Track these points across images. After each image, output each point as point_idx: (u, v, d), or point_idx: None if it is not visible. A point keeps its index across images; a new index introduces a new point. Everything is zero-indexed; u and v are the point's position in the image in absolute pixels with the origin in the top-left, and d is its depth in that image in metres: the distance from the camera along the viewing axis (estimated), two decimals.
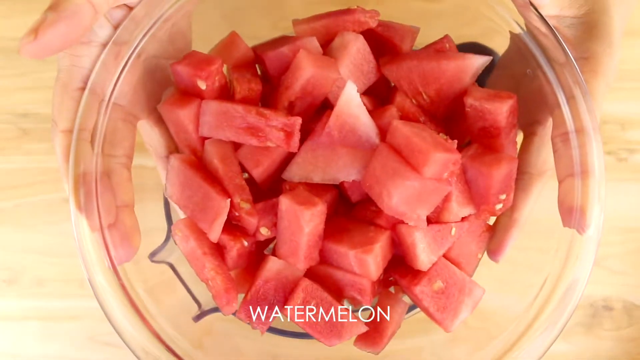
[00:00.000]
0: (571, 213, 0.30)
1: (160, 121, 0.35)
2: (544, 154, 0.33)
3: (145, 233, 0.48)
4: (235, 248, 0.33)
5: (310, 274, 0.33)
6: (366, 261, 0.31)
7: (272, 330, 0.38)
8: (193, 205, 0.33)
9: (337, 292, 0.33)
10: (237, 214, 0.33)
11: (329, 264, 0.33)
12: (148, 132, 0.35)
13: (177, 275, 0.36)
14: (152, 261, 0.35)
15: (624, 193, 0.49)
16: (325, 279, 0.33)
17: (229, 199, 0.32)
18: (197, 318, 0.36)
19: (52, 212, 0.48)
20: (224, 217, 0.32)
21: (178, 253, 0.35)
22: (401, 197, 0.29)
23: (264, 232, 0.33)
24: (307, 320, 0.32)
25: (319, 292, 0.32)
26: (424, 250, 0.32)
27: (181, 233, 0.33)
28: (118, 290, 0.32)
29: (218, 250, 0.33)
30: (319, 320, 0.32)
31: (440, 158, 0.29)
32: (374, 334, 0.34)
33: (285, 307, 0.32)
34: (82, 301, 0.47)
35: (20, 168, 0.48)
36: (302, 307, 0.32)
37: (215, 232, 0.32)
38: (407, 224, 0.31)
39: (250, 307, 0.33)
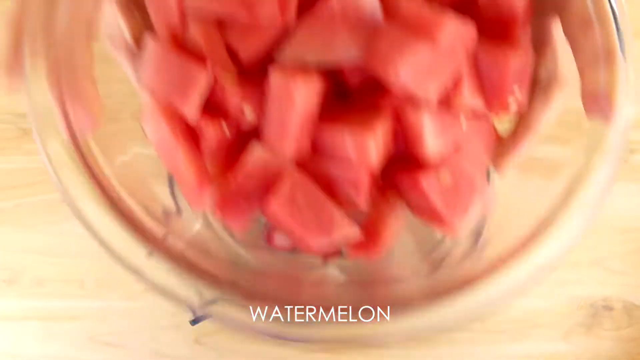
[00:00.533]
0: (596, 101, 0.28)
1: (126, 7, 0.32)
2: (563, 60, 0.31)
3: None
4: (215, 134, 0.29)
5: (299, 168, 0.30)
6: (365, 142, 0.28)
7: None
8: (169, 85, 0.29)
9: (329, 192, 0.30)
10: (218, 88, 0.29)
11: (321, 157, 0.30)
12: (109, 19, 0.32)
13: None
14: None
15: (624, 193, 0.49)
16: (315, 175, 0.29)
17: (210, 67, 0.28)
18: (194, 322, 0.36)
19: (52, 212, 0.48)
20: (202, 87, 0.28)
21: None
22: (410, 69, 0.26)
23: (248, 114, 0.29)
24: (292, 212, 0.29)
25: (308, 185, 0.29)
26: (432, 136, 0.29)
27: (152, 117, 0.30)
28: (73, 156, 0.30)
29: (193, 138, 0.30)
30: (307, 214, 0.29)
31: (455, 25, 0.27)
32: (368, 241, 0.31)
33: (270, 198, 0.29)
34: (82, 301, 0.47)
35: (20, 168, 0.48)
36: (289, 200, 0.29)
37: (192, 105, 0.28)
38: (414, 106, 0.28)
39: (229, 202, 0.30)
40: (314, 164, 0.29)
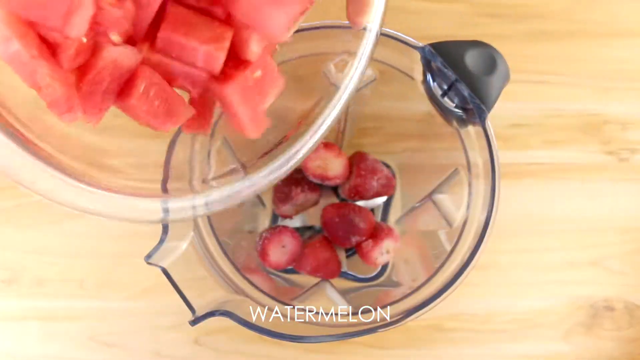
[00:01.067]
0: (354, 15, 0.32)
1: None
2: None
3: (140, 235, 0.48)
4: (74, 46, 0.28)
5: (149, 67, 0.32)
6: (217, 58, 0.32)
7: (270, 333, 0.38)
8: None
9: (168, 81, 0.33)
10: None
11: (167, 54, 0.32)
12: None
13: (171, 280, 0.35)
14: (148, 263, 0.35)
15: (624, 193, 0.49)
16: (158, 68, 0.33)
17: None
18: (194, 322, 0.36)
19: (52, 212, 0.48)
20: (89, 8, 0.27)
21: (172, 258, 0.35)
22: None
23: (115, 39, 0.30)
24: (146, 105, 0.32)
25: (158, 80, 0.32)
26: (257, 44, 0.33)
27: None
28: None
29: (49, 49, 0.29)
30: (159, 106, 0.32)
31: None
32: (199, 116, 0.35)
33: (127, 95, 0.31)
34: (82, 301, 0.47)
35: None
36: (144, 95, 0.31)
37: (76, 27, 0.27)
38: (248, 29, 0.31)
39: (88, 100, 0.31)
40: (158, 60, 0.33)
